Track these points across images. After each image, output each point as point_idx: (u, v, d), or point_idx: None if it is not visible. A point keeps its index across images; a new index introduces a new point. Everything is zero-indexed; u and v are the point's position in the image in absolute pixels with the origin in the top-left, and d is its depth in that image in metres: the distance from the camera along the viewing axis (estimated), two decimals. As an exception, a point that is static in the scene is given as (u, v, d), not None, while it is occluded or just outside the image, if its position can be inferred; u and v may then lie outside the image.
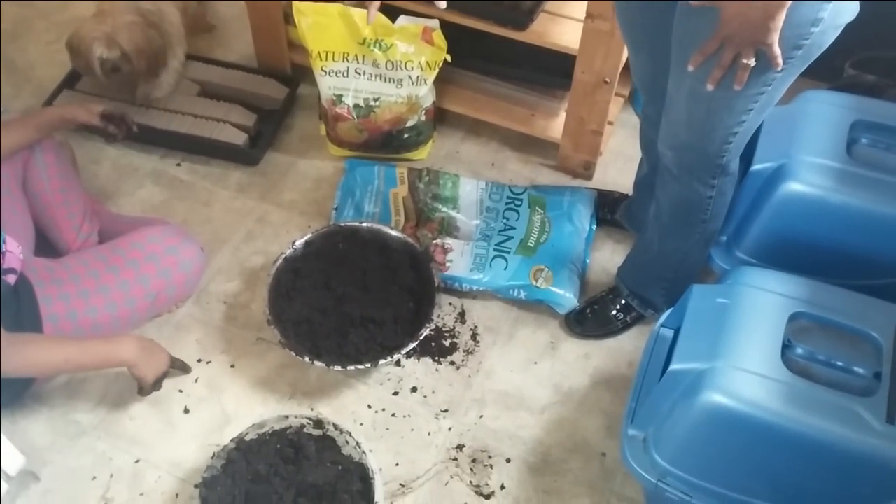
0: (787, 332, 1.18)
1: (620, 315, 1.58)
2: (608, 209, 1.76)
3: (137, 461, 1.44)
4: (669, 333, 1.37)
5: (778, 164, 1.42)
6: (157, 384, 1.43)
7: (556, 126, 1.82)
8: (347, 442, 1.37)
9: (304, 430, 1.39)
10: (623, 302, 1.58)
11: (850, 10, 1.10)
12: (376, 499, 1.30)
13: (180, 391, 1.52)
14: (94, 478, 1.42)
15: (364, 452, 1.34)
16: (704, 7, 1.06)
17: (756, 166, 1.44)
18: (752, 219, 1.46)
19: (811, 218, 1.40)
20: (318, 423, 1.39)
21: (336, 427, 1.38)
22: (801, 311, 1.21)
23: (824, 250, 1.40)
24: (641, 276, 1.55)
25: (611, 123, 1.83)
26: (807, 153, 1.41)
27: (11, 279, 1.33)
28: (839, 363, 1.17)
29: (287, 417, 1.39)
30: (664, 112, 1.27)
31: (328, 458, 1.36)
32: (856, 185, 1.37)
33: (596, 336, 1.59)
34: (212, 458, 1.35)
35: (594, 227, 1.74)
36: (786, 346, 1.18)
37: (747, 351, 1.16)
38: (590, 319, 1.59)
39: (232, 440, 1.36)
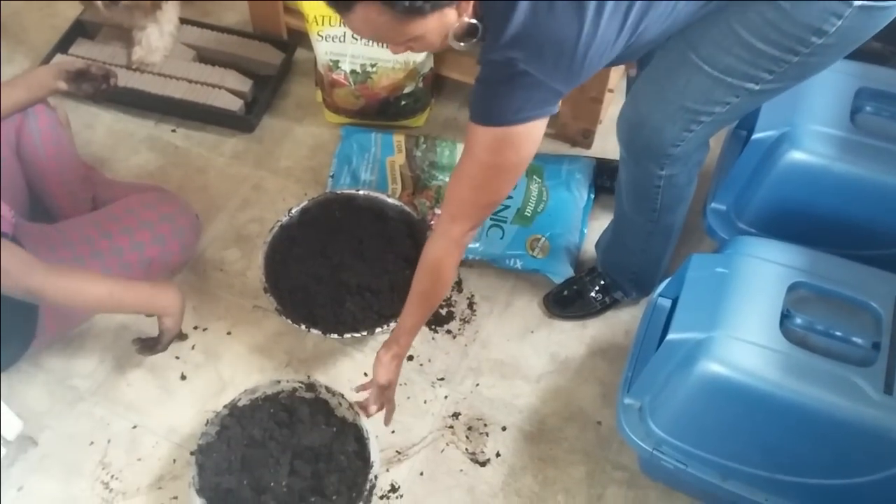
0: (786, 302, 1.17)
1: (599, 296, 1.57)
2: (607, 177, 1.74)
3: (135, 427, 1.44)
4: (667, 303, 1.37)
5: (780, 133, 1.40)
6: (167, 346, 1.41)
7: (556, 93, 1.80)
8: (340, 404, 1.37)
9: (297, 393, 1.39)
10: (601, 283, 1.56)
11: (860, 40, 1.07)
12: (372, 458, 1.31)
13: (177, 358, 1.52)
14: (92, 443, 1.42)
15: (357, 413, 1.35)
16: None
17: (758, 135, 1.42)
18: (754, 188, 1.44)
19: (813, 187, 1.38)
20: (311, 387, 1.39)
21: (328, 389, 1.38)
22: (801, 280, 1.20)
23: (826, 220, 1.39)
24: (609, 256, 1.54)
25: (611, 91, 1.80)
26: (810, 121, 1.38)
27: (3, 243, 1.32)
28: (838, 333, 1.17)
29: (279, 382, 1.40)
30: (637, 81, 1.22)
31: (322, 421, 1.37)
32: (859, 154, 1.35)
33: (574, 318, 1.58)
34: (206, 424, 1.35)
35: (592, 196, 1.72)
36: (784, 316, 1.17)
37: (745, 321, 1.15)
38: (568, 301, 1.58)
39: (225, 406, 1.36)
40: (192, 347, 1.54)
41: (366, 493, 1.28)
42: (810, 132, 1.37)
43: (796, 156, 1.37)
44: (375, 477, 1.30)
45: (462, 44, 1.04)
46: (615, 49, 1.03)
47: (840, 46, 1.06)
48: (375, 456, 1.31)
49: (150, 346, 1.40)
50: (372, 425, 1.34)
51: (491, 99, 1.02)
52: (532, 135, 1.05)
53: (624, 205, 1.37)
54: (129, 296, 1.33)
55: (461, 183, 1.11)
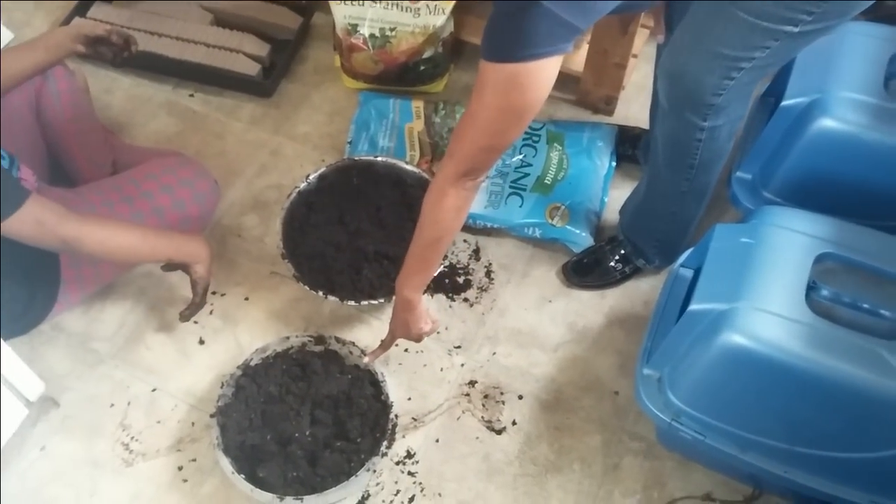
0: (812, 274, 1.14)
1: (619, 266, 1.54)
2: (629, 144, 1.71)
3: (154, 390, 1.46)
4: (688, 273, 1.35)
5: (811, 100, 1.35)
6: (205, 296, 1.42)
7: (577, 59, 1.75)
8: (351, 352, 1.39)
9: (307, 347, 1.41)
10: (622, 252, 1.54)
11: None
12: (391, 399, 1.33)
13: (195, 322, 1.52)
14: (113, 405, 1.44)
15: None
16: None
17: (787, 101, 1.38)
18: (781, 157, 1.41)
19: (844, 156, 1.34)
20: (320, 339, 1.41)
21: (338, 340, 1.40)
22: (828, 251, 1.17)
23: (855, 190, 1.35)
24: (636, 220, 1.51)
25: (635, 57, 1.76)
26: (842, 88, 1.34)
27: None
28: (865, 305, 1.14)
29: (288, 338, 1.41)
30: (676, 32, 1.19)
31: (336, 370, 1.39)
32: (892, 122, 1.31)
33: (593, 287, 1.56)
34: (221, 387, 1.36)
35: (614, 164, 1.69)
36: (811, 288, 1.14)
37: (770, 292, 1.12)
38: (587, 270, 1.56)
39: (238, 367, 1.38)
40: (210, 312, 1.54)
41: (389, 432, 1.30)
42: (842, 99, 1.33)
43: (827, 123, 1.33)
44: (396, 416, 1.33)
45: None
46: None
47: None
48: (393, 397, 1.34)
49: (190, 305, 1.41)
50: (389, 393, 1.35)
51: (502, 33, 0.98)
52: (542, 76, 1.00)
53: (659, 163, 1.34)
54: (161, 241, 1.34)
55: (465, 123, 1.08)
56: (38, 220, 1.19)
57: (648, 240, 1.50)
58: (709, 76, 1.14)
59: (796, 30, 1.06)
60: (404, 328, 1.33)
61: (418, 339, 1.37)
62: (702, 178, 1.32)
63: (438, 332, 1.51)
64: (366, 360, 1.38)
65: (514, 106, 1.03)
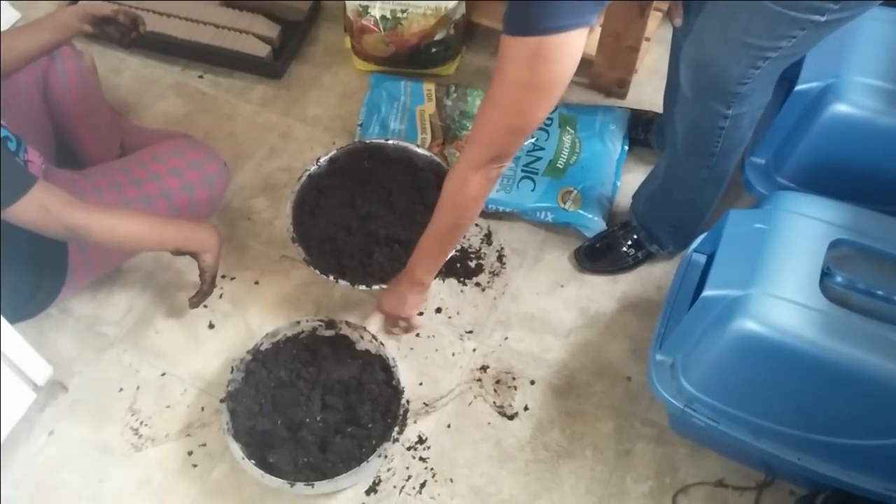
0: (826, 260, 1.14)
1: (632, 251, 1.54)
2: (642, 128, 1.70)
3: (163, 374, 1.45)
4: (702, 259, 1.34)
5: (825, 84, 1.35)
6: (213, 284, 1.42)
7: (590, 42, 1.74)
8: (362, 337, 1.39)
9: (317, 332, 1.40)
10: (634, 237, 1.53)
11: None
12: (402, 385, 1.33)
13: (205, 306, 1.52)
14: (121, 389, 1.44)
15: (381, 344, 1.36)
16: None
17: (801, 86, 1.37)
18: (795, 142, 1.40)
19: (858, 141, 1.33)
20: (331, 324, 1.40)
21: (349, 324, 1.39)
22: (842, 237, 1.16)
23: (870, 176, 1.35)
24: (651, 207, 1.50)
25: (647, 40, 1.75)
26: (857, 73, 1.33)
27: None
28: (879, 292, 1.13)
29: (298, 322, 1.40)
30: (698, 20, 1.17)
31: (346, 355, 1.38)
32: (908, 107, 1.30)
33: (605, 272, 1.55)
34: (231, 371, 1.36)
35: (626, 148, 1.68)
36: (825, 274, 1.14)
37: (784, 278, 1.12)
38: (600, 255, 1.55)
39: (248, 352, 1.37)
40: (220, 296, 1.54)
41: (400, 417, 1.30)
42: (856, 84, 1.33)
43: (841, 108, 1.32)
44: (407, 401, 1.33)
45: None
46: None
47: None
48: (404, 382, 1.33)
49: (198, 292, 1.41)
50: (403, 375, 1.34)
51: (526, 6, 0.96)
52: (568, 49, 0.98)
53: (679, 150, 1.33)
54: (169, 230, 1.33)
55: (486, 105, 1.05)
56: (44, 206, 1.18)
57: (663, 226, 1.49)
58: (735, 65, 1.13)
59: (822, 19, 1.04)
60: (399, 305, 1.32)
61: (395, 322, 1.36)
62: (722, 166, 1.31)
63: (450, 317, 1.51)
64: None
65: (541, 81, 1.00)
